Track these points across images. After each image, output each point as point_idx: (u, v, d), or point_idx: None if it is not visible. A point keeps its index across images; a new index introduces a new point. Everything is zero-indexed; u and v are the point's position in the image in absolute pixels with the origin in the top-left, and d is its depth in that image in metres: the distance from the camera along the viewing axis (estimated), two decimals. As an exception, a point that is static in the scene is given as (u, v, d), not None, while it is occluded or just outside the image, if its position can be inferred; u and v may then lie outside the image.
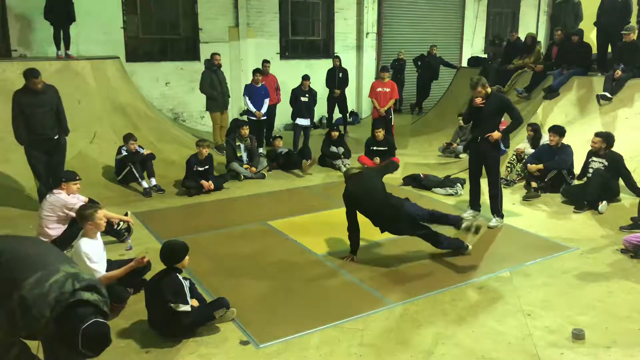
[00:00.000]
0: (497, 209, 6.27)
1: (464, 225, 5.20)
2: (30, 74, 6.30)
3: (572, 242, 5.78)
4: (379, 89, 10.00)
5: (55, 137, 6.61)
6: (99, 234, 4.40)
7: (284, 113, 11.00)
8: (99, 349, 2.85)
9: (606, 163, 6.86)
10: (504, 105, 6.09)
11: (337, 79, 11.76)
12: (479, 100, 6.02)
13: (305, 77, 10.39)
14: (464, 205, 6.97)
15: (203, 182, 7.69)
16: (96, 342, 2.79)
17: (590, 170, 6.96)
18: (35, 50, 9.90)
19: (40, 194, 6.29)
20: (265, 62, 10.91)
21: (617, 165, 6.81)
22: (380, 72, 10.81)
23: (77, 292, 2.78)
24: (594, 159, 7.01)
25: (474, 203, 6.58)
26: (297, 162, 9.13)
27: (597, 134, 7.05)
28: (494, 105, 6.03)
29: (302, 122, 10.10)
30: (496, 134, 6.02)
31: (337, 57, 12.05)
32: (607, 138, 6.94)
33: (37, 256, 2.93)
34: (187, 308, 3.84)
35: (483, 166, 6.34)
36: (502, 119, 6.24)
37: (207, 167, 7.86)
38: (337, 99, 11.93)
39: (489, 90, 6.08)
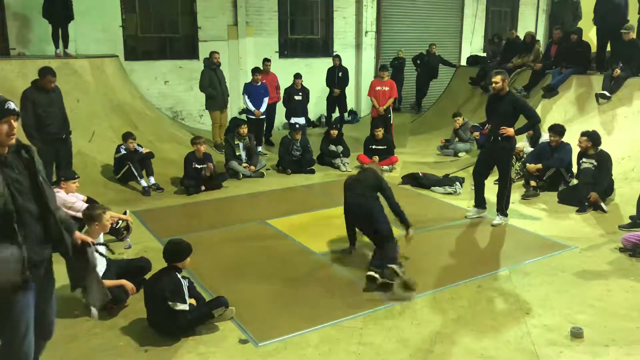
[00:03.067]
0: (502, 208, 6.29)
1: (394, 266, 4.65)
2: (49, 72, 6.29)
3: (570, 241, 5.78)
4: (378, 88, 9.99)
5: (63, 137, 6.62)
6: (101, 237, 4.39)
7: (284, 112, 10.97)
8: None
9: (596, 163, 6.81)
10: (518, 106, 6.06)
11: (336, 78, 11.75)
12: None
13: (297, 76, 10.46)
14: (463, 204, 6.97)
15: (208, 164, 7.72)
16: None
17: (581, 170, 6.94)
18: (34, 48, 9.88)
19: None
20: (266, 60, 10.88)
21: (607, 164, 6.75)
22: (379, 70, 10.78)
23: None
24: (584, 159, 6.97)
25: (479, 202, 6.58)
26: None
27: (582, 134, 7.01)
28: (508, 106, 6.03)
29: (298, 120, 10.10)
30: (510, 130, 6.01)
31: (337, 56, 12.02)
32: (592, 137, 6.89)
33: None
34: (185, 307, 3.84)
35: (491, 167, 6.36)
36: None
37: (205, 165, 7.84)
38: (336, 98, 11.91)
39: (506, 87, 6.09)
